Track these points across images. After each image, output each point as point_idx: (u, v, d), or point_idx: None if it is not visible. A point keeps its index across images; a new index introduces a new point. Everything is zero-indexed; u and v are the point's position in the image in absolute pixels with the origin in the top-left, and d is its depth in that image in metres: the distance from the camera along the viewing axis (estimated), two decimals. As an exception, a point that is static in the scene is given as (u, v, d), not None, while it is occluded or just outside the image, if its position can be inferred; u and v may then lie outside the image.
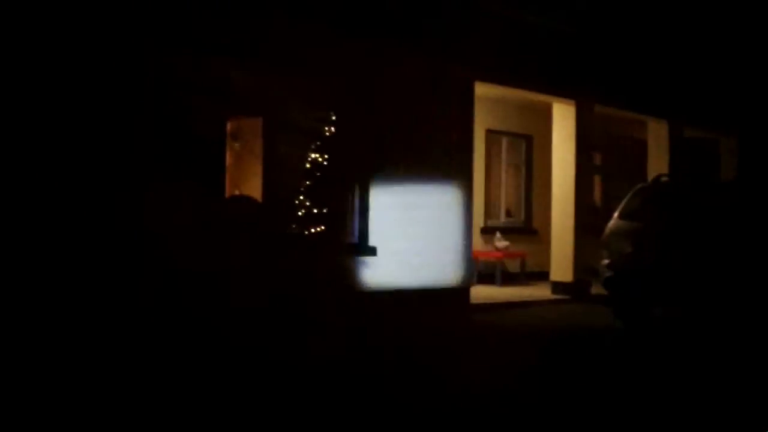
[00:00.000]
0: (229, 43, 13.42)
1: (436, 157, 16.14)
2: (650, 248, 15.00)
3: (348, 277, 14.81)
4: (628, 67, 20.51)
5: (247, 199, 14.78)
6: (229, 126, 14.99)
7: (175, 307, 12.30)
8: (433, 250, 15.97)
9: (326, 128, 15.01)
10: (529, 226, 21.94)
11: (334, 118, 15.02)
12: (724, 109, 23.39)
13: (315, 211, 14.67)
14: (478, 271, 19.49)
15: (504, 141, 21.59)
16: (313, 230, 14.58)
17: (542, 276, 20.11)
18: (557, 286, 19.03)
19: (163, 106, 12.71)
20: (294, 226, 14.60)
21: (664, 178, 16.70)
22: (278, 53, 14.06)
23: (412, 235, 15.64)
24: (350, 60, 14.93)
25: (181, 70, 12.96)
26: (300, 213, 14.64)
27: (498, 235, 20.07)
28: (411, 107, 15.76)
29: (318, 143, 14.94)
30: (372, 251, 15.06)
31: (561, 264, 19.10)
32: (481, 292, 17.90)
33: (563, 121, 19.32)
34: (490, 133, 20.86)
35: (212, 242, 13.04)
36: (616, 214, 15.99)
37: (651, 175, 20.03)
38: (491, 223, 20.81)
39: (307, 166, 14.96)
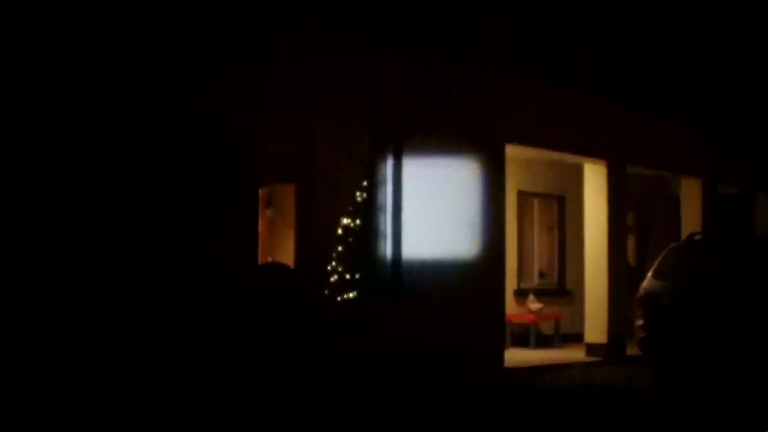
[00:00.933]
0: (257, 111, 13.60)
1: (469, 218, 16.17)
2: (685, 307, 14.91)
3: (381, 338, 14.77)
4: (659, 125, 20.53)
5: (279, 266, 14.84)
6: (262, 192, 15.11)
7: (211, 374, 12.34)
8: (466, 312, 15.93)
9: (359, 194, 15.11)
10: (562, 288, 21.85)
11: (365, 183, 15.11)
12: (759, 164, 23.32)
13: (348, 276, 14.72)
14: (512, 333, 19.42)
15: (536, 202, 21.60)
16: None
17: (577, 338, 20.00)
18: (592, 348, 18.92)
19: (196, 173, 12.82)
20: (327, 292, 14.65)
21: (698, 236, 16.64)
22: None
23: (444, 296, 15.62)
24: (382, 123, 15.04)
25: (214, 136, 13.09)
26: (333, 279, 14.70)
27: (531, 296, 20.01)
28: (442, 169, 15.83)
29: (351, 209, 15.04)
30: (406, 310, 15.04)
31: (595, 325, 19.00)
32: (514, 356, 17.81)
33: (595, 181, 19.32)
34: (522, 194, 20.87)
35: (245, 311, 13.07)
36: (650, 274, 15.92)
37: (685, 233, 19.94)
38: (524, 284, 20.74)
39: (340, 232, 15.04)
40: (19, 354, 10.75)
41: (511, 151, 17.41)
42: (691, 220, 21.55)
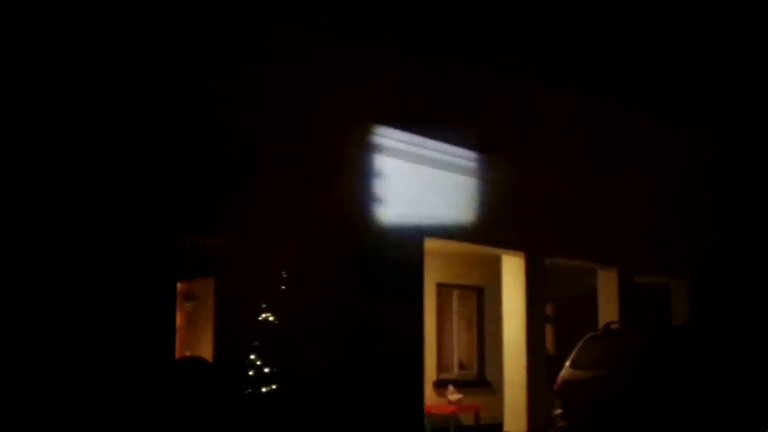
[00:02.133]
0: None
1: (385, 312, 16.21)
2: (602, 397, 15.05)
3: None
4: (576, 218, 20.85)
5: (196, 361, 14.76)
6: (181, 287, 15.09)
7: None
8: (385, 403, 15.90)
9: (277, 287, 15.13)
10: (482, 378, 21.92)
11: (284, 275, 15.15)
12: (674, 254, 23.69)
13: (267, 370, 14.67)
14: (432, 425, 19.39)
15: (455, 294, 21.74)
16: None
17: (497, 428, 20.03)
18: (512, 438, 19.02)
19: (113, 266, 12.80)
20: (246, 386, 14.57)
21: (615, 325, 16.87)
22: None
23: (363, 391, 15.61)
24: (294, 226, 15.14)
25: (129, 234, 13.10)
26: (251, 373, 14.63)
27: (451, 387, 20.05)
28: (361, 263, 15.90)
29: (268, 303, 15.03)
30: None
31: (515, 415, 19.09)
32: (435, 447, 17.81)
33: (513, 272, 19.56)
34: (440, 286, 21.00)
35: (159, 406, 12.96)
36: (567, 363, 16.07)
37: (602, 322, 20.17)
38: (444, 375, 20.79)
39: (258, 325, 15.01)
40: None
41: (431, 244, 17.57)
42: (608, 310, 21.81)
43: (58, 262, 12.33)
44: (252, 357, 14.79)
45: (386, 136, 16.52)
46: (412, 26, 17.08)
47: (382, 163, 16.62)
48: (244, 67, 14.24)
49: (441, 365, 20.98)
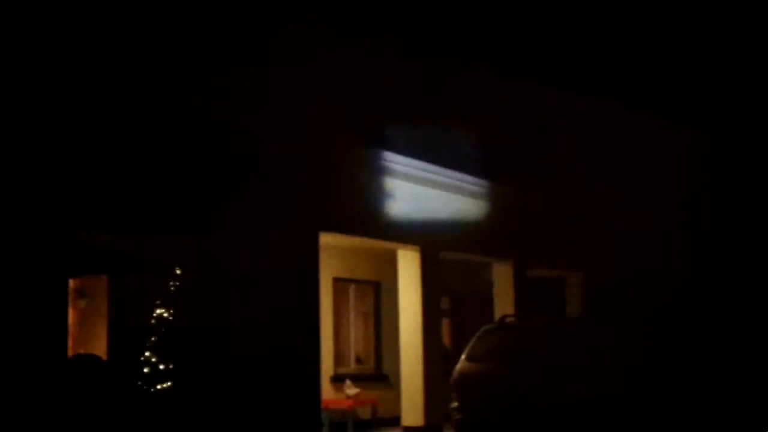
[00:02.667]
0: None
1: (281, 307, 16.15)
2: (499, 389, 15.20)
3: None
4: (471, 212, 21.02)
5: (90, 358, 14.58)
6: (72, 284, 14.87)
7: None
8: (280, 398, 15.85)
9: (171, 284, 15.01)
10: (379, 373, 22.00)
11: (179, 272, 15.02)
12: (568, 247, 24.00)
13: (161, 367, 14.54)
14: (330, 420, 19.39)
15: (352, 288, 21.77)
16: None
17: (395, 422, 20.11)
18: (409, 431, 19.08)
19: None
20: (140, 383, 14.43)
21: (510, 318, 17.03)
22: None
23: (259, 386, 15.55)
24: (194, 219, 15.02)
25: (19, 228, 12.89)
26: (146, 370, 14.50)
27: (348, 382, 20.07)
28: (255, 259, 15.82)
29: (163, 299, 14.91)
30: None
31: (412, 409, 19.18)
32: (333, 442, 17.81)
33: (409, 267, 19.62)
34: (337, 281, 21.01)
35: (51, 405, 12.77)
36: (463, 356, 16.19)
37: (498, 315, 20.34)
38: (341, 370, 20.80)
39: (153, 321, 14.88)
40: None
41: (326, 238, 17.56)
42: (503, 303, 22.02)
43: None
44: (147, 354, 14.66)
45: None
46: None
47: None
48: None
49: (338, 360, 21.00)
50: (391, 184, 18.90)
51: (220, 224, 15.32)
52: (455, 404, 15.78)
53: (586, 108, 23.33)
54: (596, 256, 24.36)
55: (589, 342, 15.33)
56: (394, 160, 18.77)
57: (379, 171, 18.62)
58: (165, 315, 14.87)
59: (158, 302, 14.85)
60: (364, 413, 20.68)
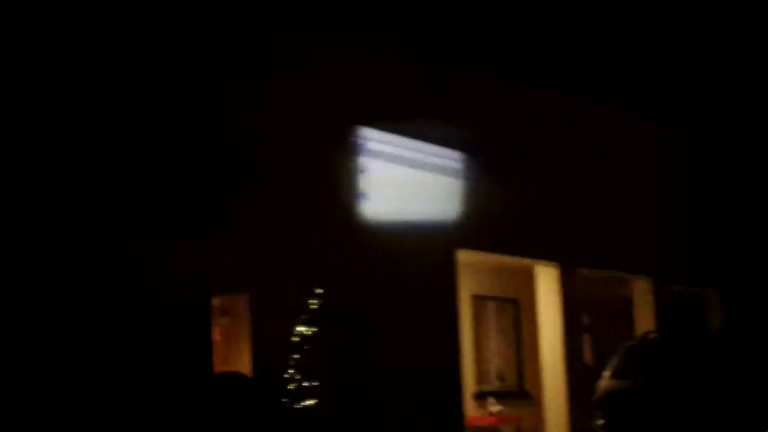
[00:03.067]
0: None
1: (421, 324, 16.13)
2: (646, 407, 14.91)
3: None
4: (609, 227, 20.73)
5: (235, 376, 14.69)
6: (216, 302, 15.06)
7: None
8: (426, 416, 15.80)
9: (313, 302, 15.09)
10: (521, 390, 21.79)
11: (320, 291, 15.10)
12: (709, 264, 23.52)
13: (306, 384, 14.61)
14: (473, 438, 19.29)
15: (490, 305, 21.64)
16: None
17: (538, 439, 19.93)
18: (554, 449, 18.88)
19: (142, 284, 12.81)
20: (285, 401, 14.51)
21: (652, 335, 16.73)
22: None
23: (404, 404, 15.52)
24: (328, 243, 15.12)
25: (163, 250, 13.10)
26: (291, 387, 14.57)
27: (491, 399, 19.94)
28: (395, 277, 15.84)
29: (305, 317, 15.00)
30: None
31: (555, 426, 18.94)
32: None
33: (547, 283, 19.44)
34: (476, 298, 20.91)
35: (198, 422, 12.91)
36: (607, 374, 15.92)
37: (639, 332, 20.03)
38: (483, 387, 20.67)
39: (296, 339, 14.97)
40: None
41: (464, 256, 17.50)
42: (643, 319, 21.65)
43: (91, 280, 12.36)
44: (291, 371, 14.74)
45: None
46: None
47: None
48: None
49: (480, 377, 20.88)
50: (527, 200, 18.75)
51: (358, 246, 15.39)
52: (601, 422, 15.50)
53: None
54: (737, 273, 23.82)
55: (737, 359, 14.96)
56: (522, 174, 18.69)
57: (515, 189, 18.49)
58: (307, 333, 14.94)
59: (300, 320, 14.94)
60: (507, 431, 20.51)
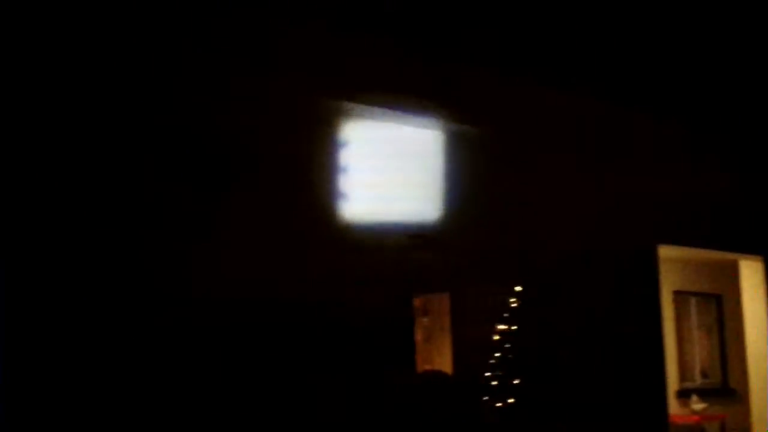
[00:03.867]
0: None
1: (622, 320, 16.04)
2: None
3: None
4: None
5: (438, 374, 14.94)
6: (417, 302, 15.32)
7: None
8: (621, 418, 15.72)
9: (512, 301, 15.19)
10: (726, 387, 21.40)
11: (518, 289, 15.19)
12: None
13: (506, 382, 14.73)
14: (677, 436, 19.08)
15: (693, 301, 21.33)
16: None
17: (744, 437, 19.55)
18: (761, 448, 18.50)
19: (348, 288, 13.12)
20: (485, 399, 14.67)
21: None
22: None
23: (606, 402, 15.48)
24: (527, 239, 15.19)
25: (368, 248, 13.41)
26: (492, 384, 14.72)
27: (694, 397, 19.65)
28: (596, 279, 15.81)
29: (506, 315, 15.11)
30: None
31: (762, 424, 18.55)
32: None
33: (752, 278, 19.03)
34: (677, 294, 20.65)
35: (408, 419, 13.21)
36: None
37: None
38: (686, 385, 20.40)
39: (495, 338, 15.10)
40: None
41: (665, 251, 17.31)
42: None
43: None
44: (491, 370, 14.89)
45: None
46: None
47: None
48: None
49: (683, 374, 20.62)
50: (727, 192, 18.41)
51: (556, 242, 15.42)
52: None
53: None
54: None
55: None
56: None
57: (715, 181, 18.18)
58: (507, 331, 15.05)
59: (500, 318, 15.06)
60: (712, 429, 20.18)
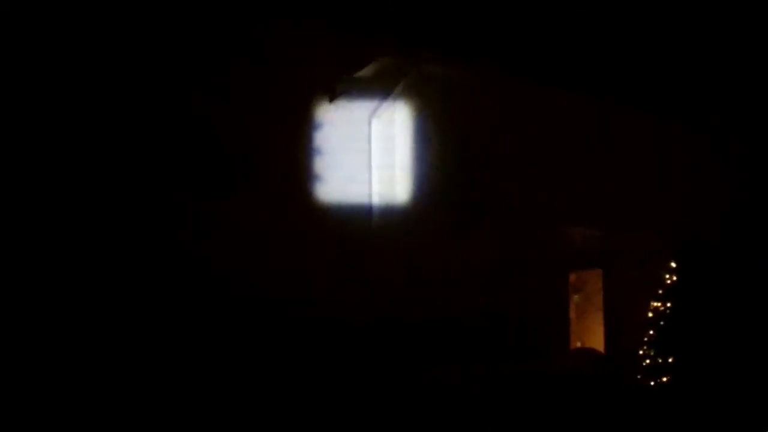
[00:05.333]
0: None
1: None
2: None
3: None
4: None
5: (590, 352, 14.83)
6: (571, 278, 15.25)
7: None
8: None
9: (667, 277, 14.93)
10: None
11: (674, 265, 14.93)
12: None
13: (660, 360, 14.49)
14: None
15: None
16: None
17: None
18: None
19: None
20: (639, 377, 14.48)
21: None
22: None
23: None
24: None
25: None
26: (645, 363, 14.51)
27: None
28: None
29: (660, 291, 14.86)
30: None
31: None
32: None
33: None
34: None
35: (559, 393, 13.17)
36: None
37: None
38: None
39: (650, 315, 14.87)
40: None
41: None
42: None
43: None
44: (645, 348, 14.67)
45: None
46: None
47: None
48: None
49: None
50: None
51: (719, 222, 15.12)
52: None
53: None
54: None
55: None
56: None
57: None
58: (661, 308, 14.80)
59: (655, 295, 14.83)
60: None
